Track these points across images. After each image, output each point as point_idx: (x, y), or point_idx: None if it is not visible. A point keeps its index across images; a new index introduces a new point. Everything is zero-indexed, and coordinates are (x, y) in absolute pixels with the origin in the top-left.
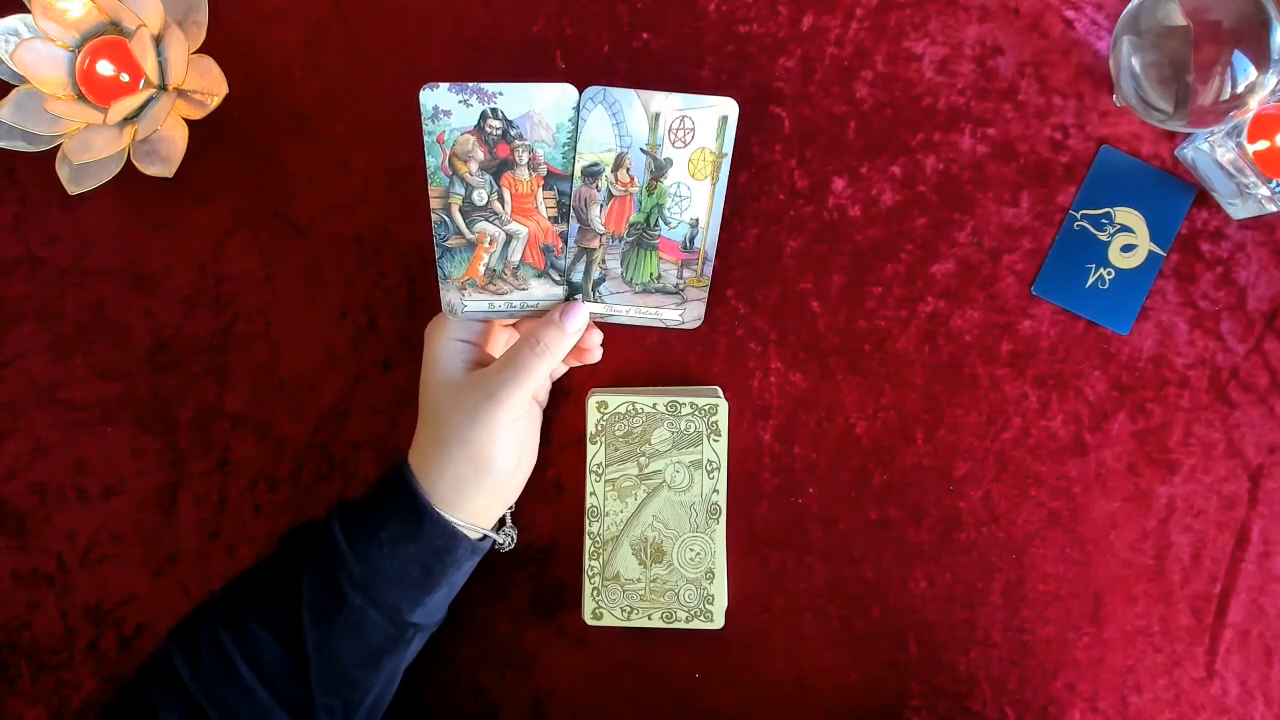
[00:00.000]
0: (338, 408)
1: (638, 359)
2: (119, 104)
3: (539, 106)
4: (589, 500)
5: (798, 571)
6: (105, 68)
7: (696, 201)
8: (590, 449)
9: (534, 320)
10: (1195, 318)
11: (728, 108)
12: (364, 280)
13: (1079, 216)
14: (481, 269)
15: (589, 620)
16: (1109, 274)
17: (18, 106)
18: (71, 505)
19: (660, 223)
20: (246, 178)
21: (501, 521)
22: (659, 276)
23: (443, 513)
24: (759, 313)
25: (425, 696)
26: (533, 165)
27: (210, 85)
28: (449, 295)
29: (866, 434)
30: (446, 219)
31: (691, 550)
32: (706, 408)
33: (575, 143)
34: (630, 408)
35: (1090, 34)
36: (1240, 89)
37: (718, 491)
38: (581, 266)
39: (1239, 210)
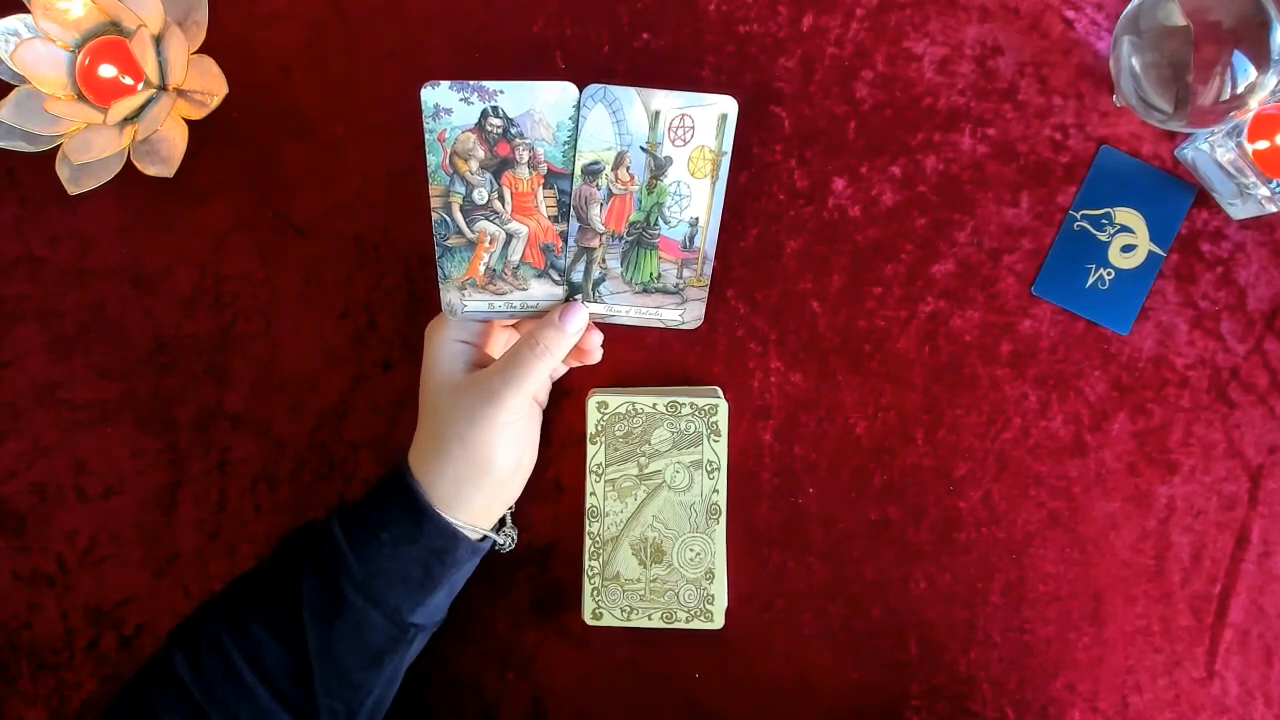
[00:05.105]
0: (338, 408)
1: (638, 359)
2: (119, 104)
3: (539, 105)
4: (589, 500)
5: (798, 571)
6: (106, 70)
7: (696, 200)
8: (590, 449)
9: (534, 321)
10: (1195, 318)
11: (727, 106)
12: (364, 280)
13: (1079, 216)
14: (481, 268)
15: (589, 620)
16: (1109, 274)
17: (18, 106)
18: (71, 505)
19: (660, 221)
20: (246, 178)
21: (501, 522)
22: (659, 276)
23: (443, 513)
24: (759, 313)
25: (425, 696)
26: (533, 164)
27: (210, 85)
28: (449, 295)
29: (866, 434)
30: (447, 218)
31: (691, 550)
32: (706, 408)
33: (575, 141)
34: (630, 408)
35: (1090, 34)
36: (1240, 89)
37: (718, 491)
38: (581, 266)
39: (1239, 210)
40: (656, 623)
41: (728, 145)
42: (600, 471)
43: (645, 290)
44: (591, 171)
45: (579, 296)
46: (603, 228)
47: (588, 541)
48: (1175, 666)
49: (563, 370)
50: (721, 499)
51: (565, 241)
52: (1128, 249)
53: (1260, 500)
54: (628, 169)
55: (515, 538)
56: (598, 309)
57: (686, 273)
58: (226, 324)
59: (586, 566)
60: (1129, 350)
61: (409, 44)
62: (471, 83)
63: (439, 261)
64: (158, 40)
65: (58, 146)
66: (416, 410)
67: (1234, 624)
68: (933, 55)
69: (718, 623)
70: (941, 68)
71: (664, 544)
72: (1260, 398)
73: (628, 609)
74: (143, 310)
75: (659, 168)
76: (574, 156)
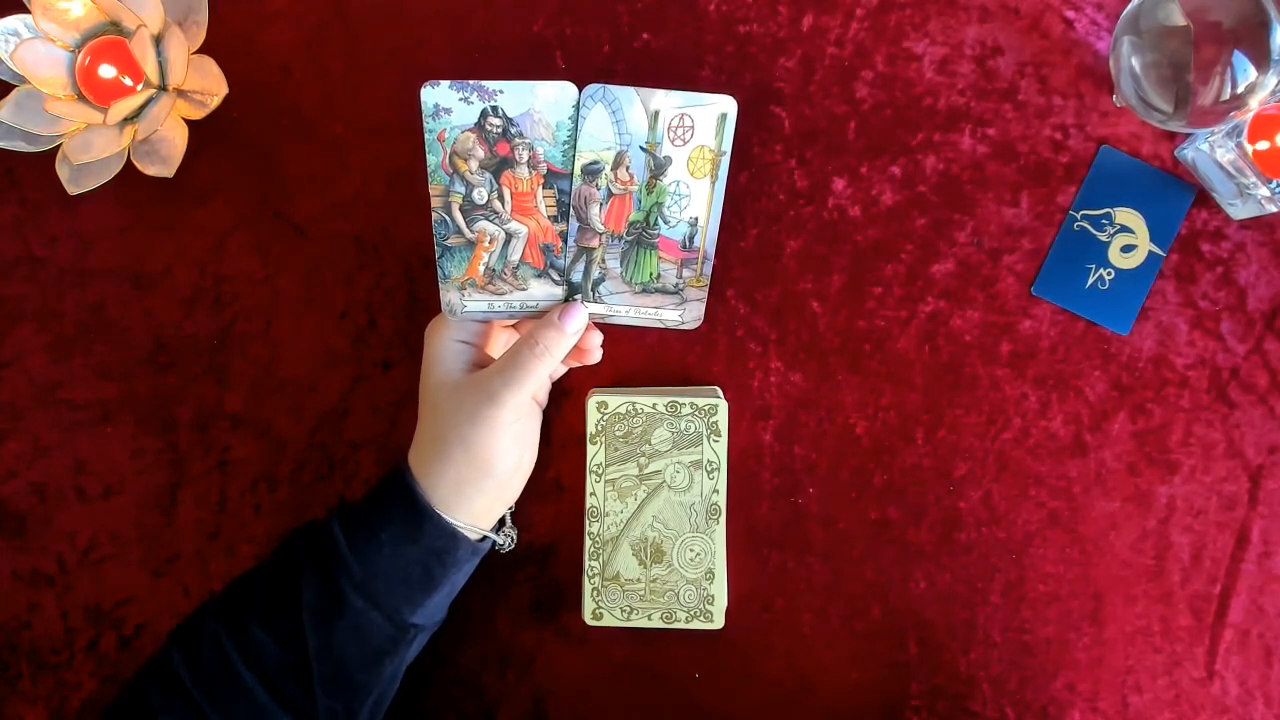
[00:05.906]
0: (338, 408)
1: (638, 359)
2: (119, 104)
3: (539, 104)
4: (589, 500)
5: (798, 571)
6: (106, 70)
7: (696, 200)
8: (590, 449)
9: (534, 321)
10: (1195, 318)
11: (727, 105)
12: (364, 280)
13: (1079, 217)
14: (481, 268)
15: (589, 620)
16: (1109, 274)
17: (18, 106)
18: (71, 505)
19: (660, 221)
20: (246, 178)
21: (501, 522)
22: (659, 276)
23: (443, 514)
24: (759, 313)
25: (425, 696)
26: (533, 163)
27: (210, 85)
28: (449, 295)
29: (866, 434)
30: (447, 218)
31: (691, 550)
32: (706, 408)
33: (575, 141)
34: (630, 408)
35: (1090, 34)
36: (1240, 89)
37: (718, 491)
38: (581, 266)
39: (1239, 210)
40: (656, 623)
41: (727, 145)
42: (600, 471)
43: (645, 290)
44: (591, 171)
45: (579, 296)
46: (602, 228)
47: (588, 541)
48: (1175, 666)
49: (562, 370)
50: (721, 499)
51: (565, 241)
52: (1128, 249)
53: (1260, 500)
54: (627, 169)
55: (515, 538)
56: (597, 309)
57: (686, 273)
58: (226, 324)
59: (586, 566)
60: (1129, 350)
61: (409, 44)
62: (471, 82)
63: (439, 261)
64: (158, 40)
65: (58, 146)
66: (416, 410)
67: (1234, 624)
68: (933, 55)
69: (718, 623)
70: (941, 68)
71: (664, 544)
72: (1260, 398)
73: (628, 609)
74: (143, 310)
75: (659, 167)
76: (574, 156)
